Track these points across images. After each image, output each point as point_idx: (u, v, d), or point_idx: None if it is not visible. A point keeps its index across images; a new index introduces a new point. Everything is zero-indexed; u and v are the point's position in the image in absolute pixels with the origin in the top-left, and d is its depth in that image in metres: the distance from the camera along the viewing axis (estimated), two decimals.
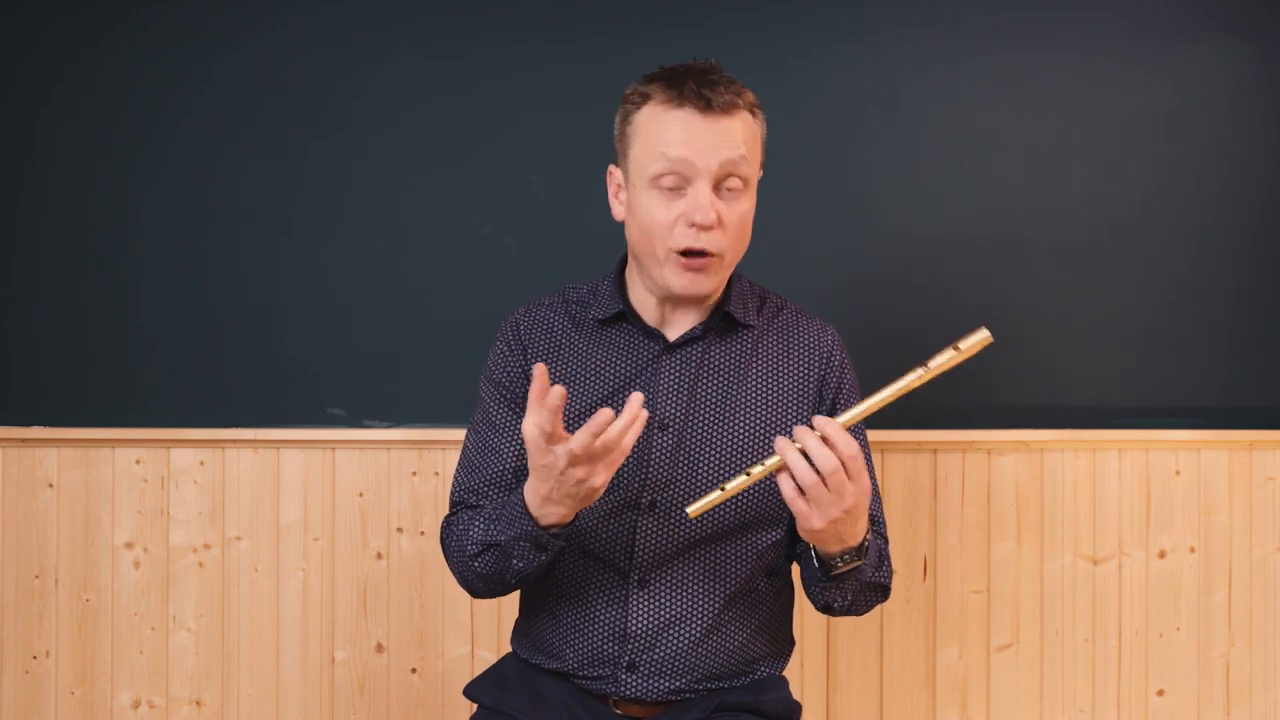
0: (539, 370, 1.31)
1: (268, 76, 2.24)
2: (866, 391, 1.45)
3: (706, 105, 1.44)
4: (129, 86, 2.25)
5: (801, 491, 1.34)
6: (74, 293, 2.25)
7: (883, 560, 1.51)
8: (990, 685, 2.23)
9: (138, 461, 2.25)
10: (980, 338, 1.34)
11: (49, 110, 2.25)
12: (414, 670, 2.24)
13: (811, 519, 1.35)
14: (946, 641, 2.22)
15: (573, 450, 1.31)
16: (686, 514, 1.41)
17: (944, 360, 1.35)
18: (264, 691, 2.24)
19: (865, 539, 1.42)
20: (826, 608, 1.52)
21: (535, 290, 1.71)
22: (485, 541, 1.46)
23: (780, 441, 1.33)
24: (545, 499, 1.38)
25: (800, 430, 1.33)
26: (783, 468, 1.34)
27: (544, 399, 1.31)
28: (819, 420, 1.32)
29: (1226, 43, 2.23)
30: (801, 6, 2.22)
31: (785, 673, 1.65)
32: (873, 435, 2.19)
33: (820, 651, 2.23)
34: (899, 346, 2.22)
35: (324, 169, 2.24)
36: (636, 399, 1.31)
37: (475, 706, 1.63)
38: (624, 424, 1.31)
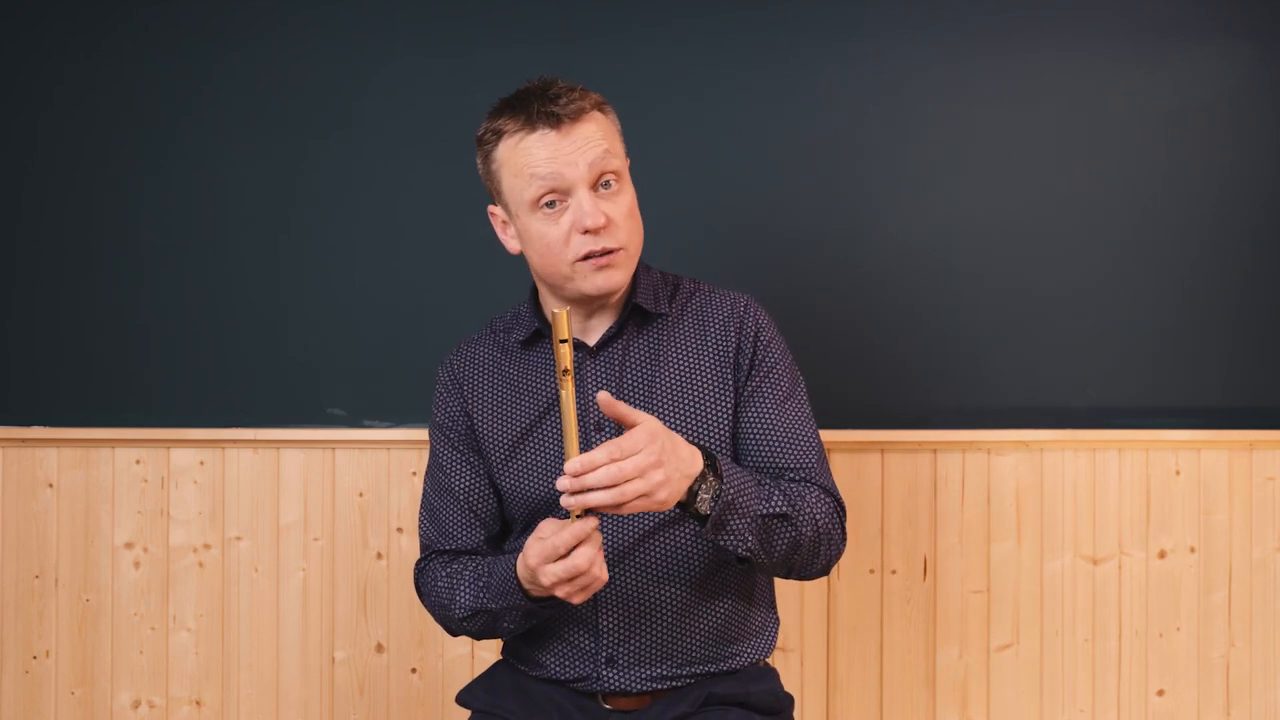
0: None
1: (268, 76, 2.24)
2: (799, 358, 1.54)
3: (556, 120, 1.48)
4: (129, 86, 2.25)
5: (620, 503, 1.33)
6: (74, 293, 2.25)
7: (773, 492, 1.46)
8: (990, 685, 2.23)
9: (138, 461, 2.25)
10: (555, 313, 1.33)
11: (49, 110, 2.25)
12: (414, 670, 2.24)
13: (659, 498, 1.33)
14: (946, 641, 2.22)
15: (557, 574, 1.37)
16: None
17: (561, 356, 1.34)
18: (264, 691, 2.24)
19: (708, 466, 1.39)
20: (742, 560, 1.47)
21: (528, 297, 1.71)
22: (475, 609, 1.53)
23: (565, 500, 1.32)
24: (530, 577, 1.43)
25: (563, 484, 1.32)
26: (600, 511, 1.34)
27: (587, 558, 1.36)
28: (569, 465, 1.31)
29: (1226, 43, 2.23)
30: (801, 6, 2.22)
31: (782, 668, 1.65)
32: (873, 435, 2.20)
33: (820, 651, 2.23)
34: (898, 345, 2.22)
35: (324, 169, 2.24)
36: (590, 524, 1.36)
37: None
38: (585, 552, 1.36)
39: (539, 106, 1.49)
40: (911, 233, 2.22)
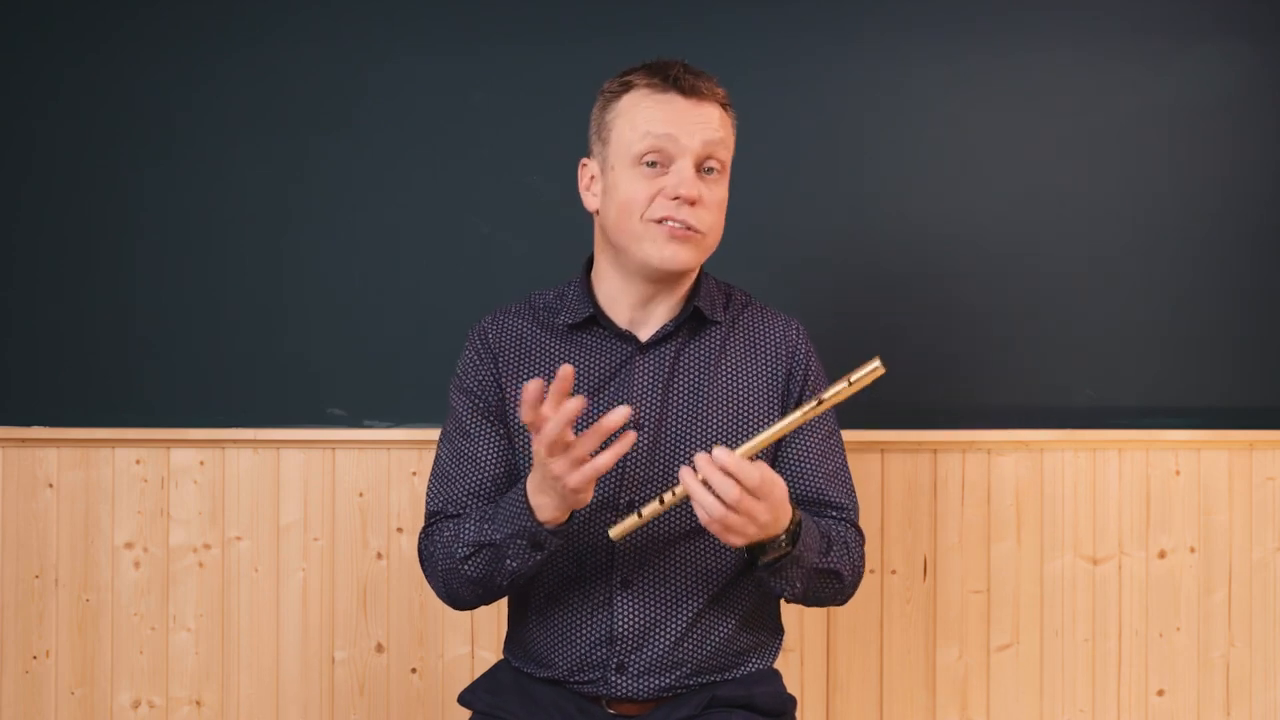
0: (565, 372, 1.32)
1: (268, 76, 2.24)
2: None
3: (691, 89, 1.51)
4: (129, 86, 2.25)
5: (709, 517, 1.35)
6: (74, 293, 2.25)
7: (832, 546, 1.49)
8: (990, 685, 2.23)
9: (138, 461, 2.25)
10: (871, 369, 1.36)
11: (49, 110, 2.25)
12: (414, 670, 2.24)
13: (729, 539, 1.37)
14: (946, 641, 2.22)
15: (549, 438, 1.32)
16: (609, 536, 1.40)
17: (837, 391, 1.36)
18: (264, 691, 2.24)
19: (794, 525, 1.41)
20: (779, 596, 1.51)
21: (536, 289, 1.71)
22: (478, 542, 1.46)
23: (684, 473, 1.34)
24: (537, 489, 1.40)
25: (701, 460, 1.33)
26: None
27: (561, 400, 1.31)
28: (717, 452, 1.32)
29: (1226, 43, 2.23)
30: (801, 6, 2.22)
31: (783, 669, 1.65)
32: (873, 435, 2.20)
33: (820, 651, 2.23)
34: (899, 345, 2.22)
35: (324, 169, 2.24)
36: (619, 413, 1.30)
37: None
38: (597, 431, 1.31)
39: (678, 73, 1.51)
40: (909, 234, 2.22)
